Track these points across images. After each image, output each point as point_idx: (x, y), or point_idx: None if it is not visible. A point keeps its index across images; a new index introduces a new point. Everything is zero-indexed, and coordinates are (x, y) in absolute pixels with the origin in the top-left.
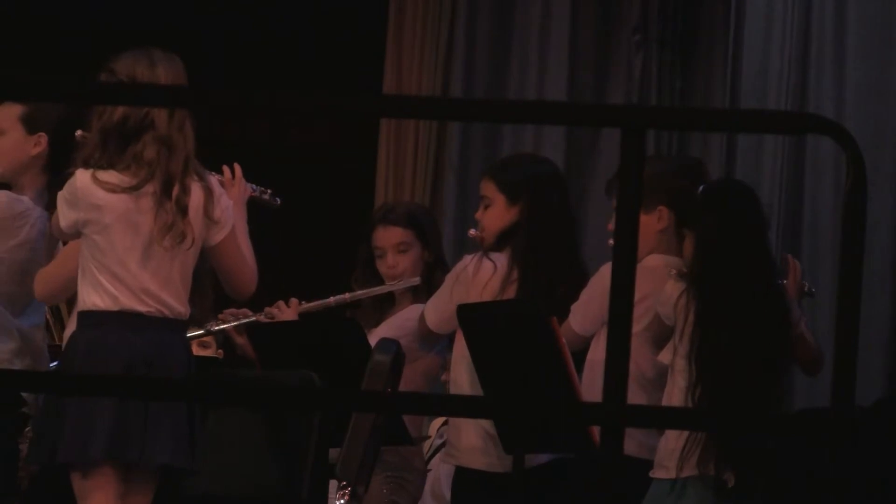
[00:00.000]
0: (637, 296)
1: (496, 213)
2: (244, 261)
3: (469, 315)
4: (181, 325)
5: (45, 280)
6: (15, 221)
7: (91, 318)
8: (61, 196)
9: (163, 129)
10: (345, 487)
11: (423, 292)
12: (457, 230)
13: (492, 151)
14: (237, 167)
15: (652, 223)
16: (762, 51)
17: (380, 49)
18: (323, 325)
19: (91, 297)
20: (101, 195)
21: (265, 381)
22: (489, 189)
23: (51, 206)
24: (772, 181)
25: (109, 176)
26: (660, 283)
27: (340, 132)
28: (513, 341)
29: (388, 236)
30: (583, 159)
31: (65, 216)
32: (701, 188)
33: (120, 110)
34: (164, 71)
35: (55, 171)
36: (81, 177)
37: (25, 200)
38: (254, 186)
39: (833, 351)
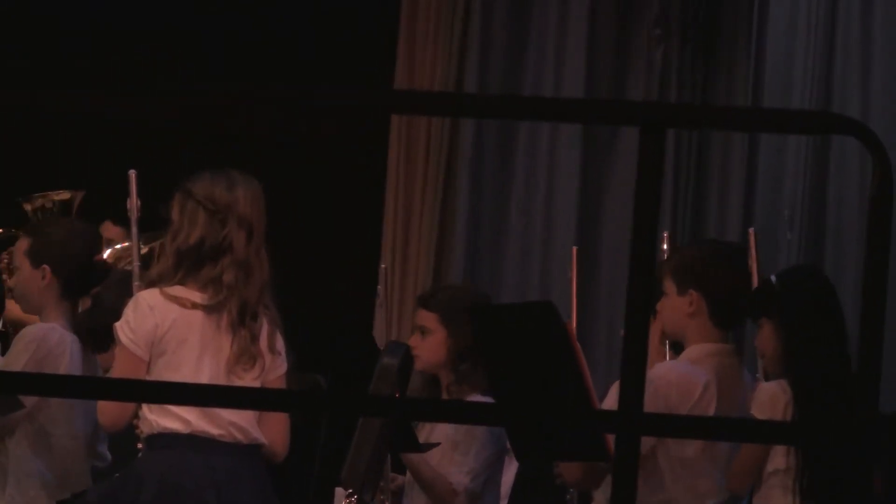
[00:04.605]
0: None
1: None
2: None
3: (483, 316)
4: (256, 450)
5: (107, 408)
6: (53, 351)
7: (162, 441)
8: (124, 321)
9: (241, 253)
10: (351, 495)
11: (474, 380)
12: (469, 226)
13: (506, 145)
14: None
15: (683, 306)
16: (786, 45)
17: (391, 42)
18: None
19: (161, 421)
20: (176, 310)
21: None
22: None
23: (80, 330)
24: (795, 181)
25: (179, 291)
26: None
27: (350, 125)
28: (527, 343)
29: (417, 316)
30: (600, 157)
31: (134, 337)
32: (775, 276)
33: (197, 232)
34: (244, 192)
35: (76, 297)
36: (149, 296)
37: (57, 328)
38: None
39: (857, 357)
